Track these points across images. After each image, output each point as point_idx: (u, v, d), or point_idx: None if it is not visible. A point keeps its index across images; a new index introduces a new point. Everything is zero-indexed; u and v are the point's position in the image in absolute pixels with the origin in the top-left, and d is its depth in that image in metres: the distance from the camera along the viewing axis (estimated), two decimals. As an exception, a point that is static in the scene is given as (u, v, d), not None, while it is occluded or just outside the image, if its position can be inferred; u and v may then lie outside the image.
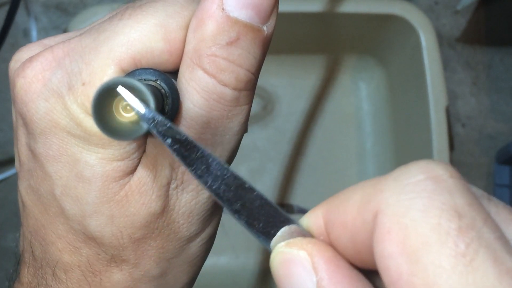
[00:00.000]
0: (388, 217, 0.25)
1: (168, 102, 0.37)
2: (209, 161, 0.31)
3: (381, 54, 1.13)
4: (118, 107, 0.33)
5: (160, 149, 0.39)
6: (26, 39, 1.08)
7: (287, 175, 1.14)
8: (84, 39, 0.39)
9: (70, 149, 0.39)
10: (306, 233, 0.30)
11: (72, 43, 0.40)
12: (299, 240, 0.29)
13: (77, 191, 0.40)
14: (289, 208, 1.12)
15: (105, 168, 0.39)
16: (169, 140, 0.31)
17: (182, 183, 0.40)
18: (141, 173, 0.40)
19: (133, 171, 0.40)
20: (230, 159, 0.43)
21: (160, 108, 0.36)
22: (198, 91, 0.38)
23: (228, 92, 0.38)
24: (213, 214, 0.43)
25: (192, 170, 0.31)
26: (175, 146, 0.31)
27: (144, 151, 0.40)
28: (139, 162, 0.40)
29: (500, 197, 1.07)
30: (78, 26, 0.94)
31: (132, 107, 0.31)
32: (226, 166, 0.31)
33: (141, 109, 0.31)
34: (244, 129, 0.41)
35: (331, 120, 1.15)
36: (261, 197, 0.30)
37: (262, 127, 1.13)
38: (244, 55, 0.38)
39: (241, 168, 1.12)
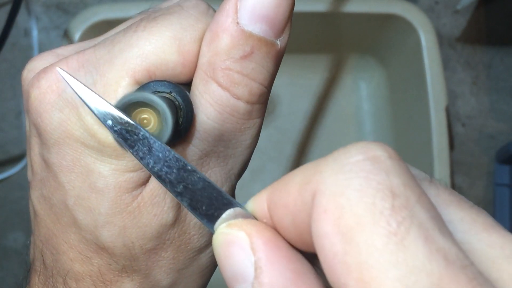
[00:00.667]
0: (326, 196, 0.25)
1: (182, 114, 0.37)
2: (151, 143, 0.31)
3: (382, 54, 1.13)
4: (135, 119, 0.33)
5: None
6: (26, 38, 1.08)
7: (288, 174, 1.14)
8: (98, 50, 0.39)
9: (83, 159, 0.39)
10: (249, 216, 0.30)
11: (87, 54, 0.40)
12: (239, 221, 0.29)
13: (90, 202, 0.40)
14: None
15: (118, 179, 0.39)
16: (109, 122, 0.31)
17: None
18: (154, 184, 0.40)
19: (145, 182, 0.40)
20: (241, 171, 0.43)
21: (175, 120, 0.36)
22: (212, 104, 0.38)
23: (241, 106, 0.38)
24: None
25: (134, 152, 0.31)
26: (116, 128, 0.31)
27: None
28: None
29: (500, 197, 1.07)
30: (78, 26, 0.94)
31: (73, 89, 0.31)
32: (168, 148, 0.31)
33: (81, 92, 0.31)
34: (256, 142, 0.41)
35: (331, 119, 1.15)
36: (204, 179, 0.30)
37: (263, 127, 1.13)
38: (257, 69, 0.38)
39: (241, 167, 1.12)
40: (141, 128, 0.31)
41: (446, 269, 0.22)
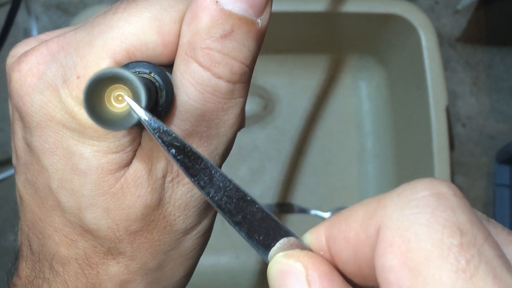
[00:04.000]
0: (391, 230, 0.25)
1: (162, 95, 0.37)
2: (212, 172, 0.31)
3: (382, 53, 1.13)
4: (109, 97, 0.33)
5: (155, 142, 0.39)
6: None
7: (288, 174, 1.14)
8: (78, 33, 0.40)
9: (65, 142, 0.39)
10: (304, 247, 0.30)
11: (67, 37, 0.40)
12: (296, 252, 0.29)
13: (73, 184, 0.40)
14: (290, 208, 1.12)
15: (100, 161, 0.39)
16: (173, 151, 0.32)
17: (177, 175, 0.41)
18: (137, 166, 0.40)
19: (128, 163, 0.40)
20: (226, 152, 0.43)
21: (154, 100, 0.36)
22: (193, 84, 0.38)
23: (223, 85, 0.38)
24: (209, 207, 0.43)
25: (195, 181, 0.32)
26: (179, 157, 0.32)
27: (139, 144, 0.40)
28: (134, 155, 0.40)
29: (500, 197, 1.07)
30: (78, 26, 0.94)
31: (138, 116, 0.32)
32: (229, 178, 0.31)
33: (147, 118, 0.32)
34: (239, 122, 0.41)
35: (331, 119, 1.15)
36: (262, 210, 0.31)
37: (263, 127, 1.14)
38: (238, 47, 0.38)
39: (241, 168, 1.13)
40: (203, 158, 0.32)
41: None
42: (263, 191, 1.14)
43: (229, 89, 0.39)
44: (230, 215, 0.31)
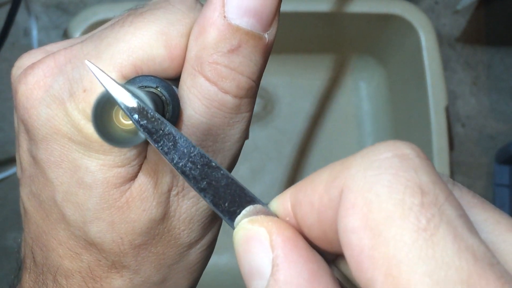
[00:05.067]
0: (353, 192, 0.25)
1: (168, 109, 0.37)
2: (177, 138, 0.31)
3: (382, 54, 1.13)
4: (118, 114, 0.33)
5: (161, 156, 0.39)
6: (26, 38, 1.08)
7: (288, 174, 1.14)
8: (85, 45, 0.39)
9: (71, 155, 0.39)
10: (270, 213, 0.30)
11: (74, 49, 0.40)
12: (261, 217, 0.29)
13: (78, 197, 0.40)
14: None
15: (106, 175, 0.39)
16: (136, 116, 0.31)
17: (183, 189, 0.41)
18: (142, 180, 0.40)
19: (134, 177, 0.40)
20: (231, 166, 0.43)
21: (161, 115, 0.36)
22: (200, 99, 0.38)
23: (229, 100, 0.38)
24: (213, 221, 0.43)
25: (159, 147, 0.31)
26: (142, 122, 0.31)
27: (145, 157, 0.40)
28: (140, 169, 0.40)
29: (500, 197, 1.07)
30: (78, 26, 0.94)
31: (100, 82, 0.31)
32: (193, 144, 0.31)
33: (108, 83, 0.31)
34: (244, 136, 0.41)
35: (331, 119, 1.15)
36: (227, 177, 0.30)
37: (263, 127, 1.13)
38: (245, 62, 0.38)
39: (242, 167, 1.13)
40: (167, 123, 0.31)
41: (475, 266, 0.22)
42: (263, 191, 1.13)
43: (235, 104, 0.39)
44: (195, 182, 0.31)
